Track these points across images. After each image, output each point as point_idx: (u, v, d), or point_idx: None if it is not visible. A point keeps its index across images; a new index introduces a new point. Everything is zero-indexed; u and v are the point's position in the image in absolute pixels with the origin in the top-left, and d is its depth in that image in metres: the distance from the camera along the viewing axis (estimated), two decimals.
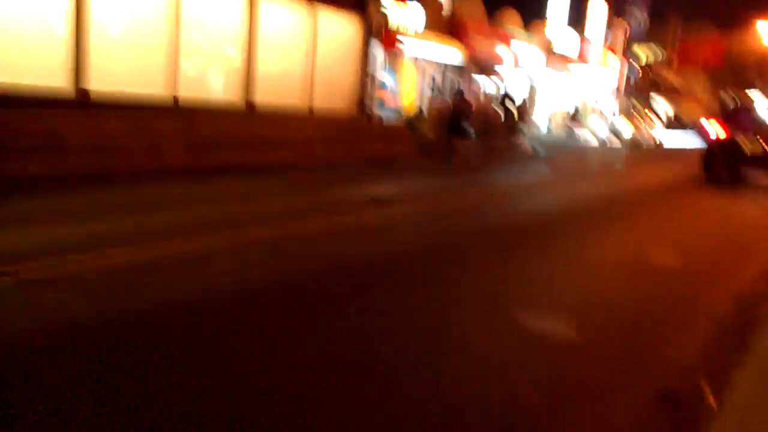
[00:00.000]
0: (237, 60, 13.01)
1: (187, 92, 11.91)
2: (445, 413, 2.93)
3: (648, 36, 40.56)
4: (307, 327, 3.85)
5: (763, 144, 13.59)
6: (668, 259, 6.44)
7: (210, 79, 12.88)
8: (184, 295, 4.28)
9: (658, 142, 31.08)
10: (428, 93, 20.89)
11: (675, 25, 44.36)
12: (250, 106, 13.00)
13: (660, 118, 36.25)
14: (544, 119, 33.58)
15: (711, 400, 3.22)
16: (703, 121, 18.18)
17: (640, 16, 36.55)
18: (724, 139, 14.50)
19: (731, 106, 15.75)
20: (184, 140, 9.95)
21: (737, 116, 15.43)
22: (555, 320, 4.29)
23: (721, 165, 13.98)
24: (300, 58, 14.35)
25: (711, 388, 3.37)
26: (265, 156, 10.96)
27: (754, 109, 16.25)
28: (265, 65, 13.54)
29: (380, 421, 2.81)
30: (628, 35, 37.34)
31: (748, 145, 13.80)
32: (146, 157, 9.29)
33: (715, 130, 14.63)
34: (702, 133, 15.36)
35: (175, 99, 11.64)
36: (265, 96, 13.36)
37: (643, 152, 24.77)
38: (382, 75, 20.85)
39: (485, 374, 3.39)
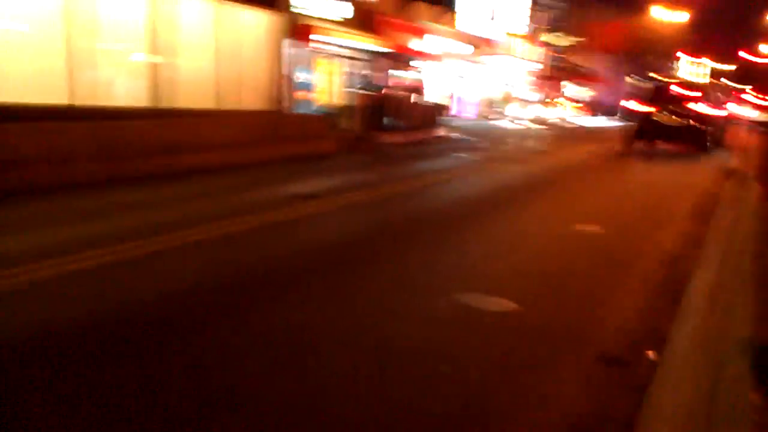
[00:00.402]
0: (144, 62, 12.47)
1: (91, 99, 11.33)
2: (396, 392, 2.83)
3: (559, 23, 41.92)
4: (250, 316, 3.67)
5: (676, 117, 15.50)
6: (595, 229, 6.60)
7: (116, 84, 12.29)
8: (113, 304, 3.99)
9: (572, 124, 32.25)
10: (346, 87, 20.78)
11: (581, 11, 46.06)
12: (161, 110, 12.48)
13: (574, 101, 37.60)
14: (464, 107, 34.18)
15: (652, 354, 3.27)
16: (625, 102, 20.19)
17: (553, 5, 37.68)
18: (646, 113, 16.21)
19: (647, 86, 18.02)
20: (91, 150, 9.42)
21: (656, 95, 17.18)
22: (493, 295, 4.28)
23: (645, 135, 15.98)
24: (210, 57, 13.92)
25: (649, 344, 3.43)
26: (180, 161, 10.52)
27: (668, 88, 18.03)
28: (175, 66, 13.05)
29: (314, 402, 2.68)
30: (542, 23, 38.44)
31: (665, 118, 15.70)
32: (52, 171, 8.73)
33: (638, 107, 16.71)
34: (625, 112, 17.24)
35: (78, 107, 11.03)
36: (177, 98, 12.88)
37: (560, 133, 25.55)
38: (299, 72, 20.57)
39: (429, 352, 3.31)
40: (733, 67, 76.49)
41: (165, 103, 12.71)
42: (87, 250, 5.03)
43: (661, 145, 16.33)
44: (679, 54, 71.11)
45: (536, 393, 2.93)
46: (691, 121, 15.66)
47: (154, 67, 12.53)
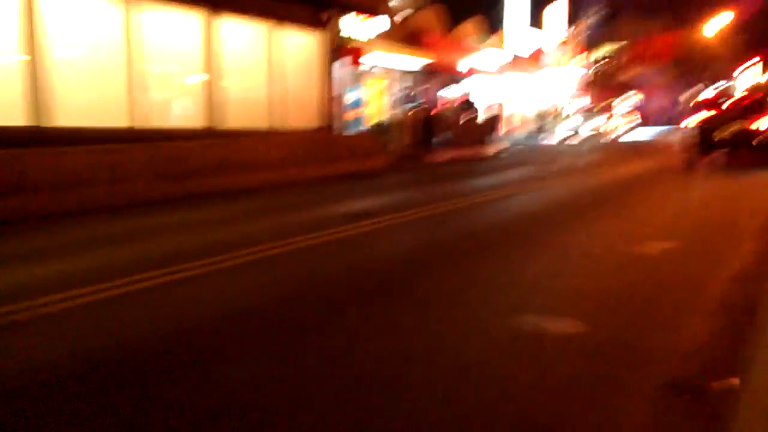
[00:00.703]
0: (198, 84, 12.75)
1: (150, 121, 11.64)
2: (460, 423, 2.70)
3: (605, 35, 41.27)
4: (305, 339, 3.60)
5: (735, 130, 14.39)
6: (660, 247, 6.31)
7: (172, 106, 12.60)
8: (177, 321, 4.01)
9: (627, 137, 31.52)
10: (396, 104, 20.85)
11: (629, 23, 45.26)
12: (214, 130, 12.72)
13: (627, 114, 36.77)
14: (514, 122, 33.84)
15: (734, 381, 3.04)
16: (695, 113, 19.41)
17: (597, 17, 37.16)
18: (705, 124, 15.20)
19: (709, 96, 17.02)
20: (149, 171, 9.65)
21: (725, 105, 16.09)
22: (555, 316, 4.09)
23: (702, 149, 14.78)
24: (262, 78, 14.14)
25: (727, 372, 3.19)
26: (234, 180, 10.70)
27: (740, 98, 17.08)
28: (228, 87, 13.31)
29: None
30: (587, 35, 37.92)
31: (720, 133, 14.56)
32: (113, 191, 8.97)
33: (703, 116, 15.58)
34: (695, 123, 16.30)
35: (138, 129, 11.34)
36: (229, 119, 13.11)
37: (614, 147, 24.96)
38: (349, 91, 20.75)
39: (489, 377, 3.16)
40: None
41: (219, 124, 12.95)
42: (152, 269, 5.16)
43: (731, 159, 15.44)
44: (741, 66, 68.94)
45: (601, 420, 2.74)
46: (757, 135, 14.37)
47: (209, 89, 12.80)
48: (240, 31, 13.57)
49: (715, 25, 49.61)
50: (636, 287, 4.88)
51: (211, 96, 12.84)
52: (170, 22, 12.19)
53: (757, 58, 66.95)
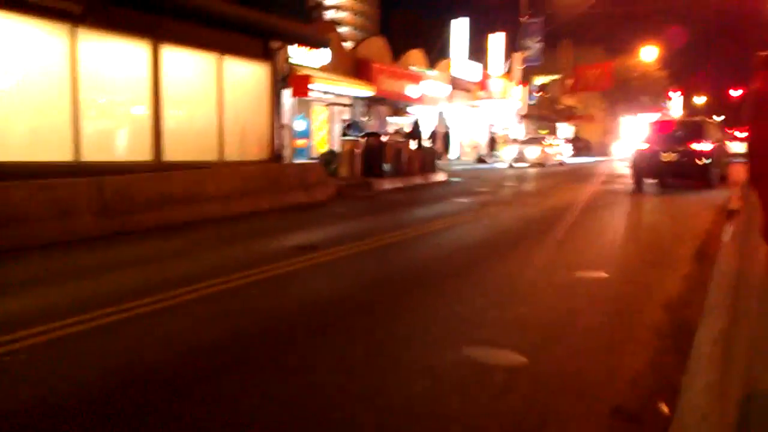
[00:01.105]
0: (144, 116, 12.64)
1: (94, 155, 11.46)
2: None
3: (544, 64, 42.64)
4: (246, 377, 3.65)
5: (680, 155, 15.93)
6: (597, 275, 6.60)
7: (116, 139, 12.44)
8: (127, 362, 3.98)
9: (561, 162, 32.56)
10: (344, 135, 21.04)
11: (567, 52, 47.03)
12: (160, 163, 12.60)
13: (562, 140, 37.99)
14: (461, 151, 34.51)
15: (664, 408, 3.25)
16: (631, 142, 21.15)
17: (535, 46, 38.46)
18: (652, 152, 16.56)
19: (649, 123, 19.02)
20: (93, 205, 9.49)
21: (659, 133, 17.45)
22: (499, 348, 4.26)
23: (645, 173, 16.41)
24: (211, 109, 14.12)
25: (661, 396, 3.41)
26: (182, 214, 10.60)
27: (672, 126, 18.74)
28: (175, 119, 13.23)
29: None
30: (525, 65, 39.15)
31: (671, 156, 16.14)
32: (57, 227, 8.78)
33: (645, 146, 17.00)
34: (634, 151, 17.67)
35: (82, 163, 11.15)
36: (175, 152, 13.01)
37: (556, 173, 25.74)
38: (297, 120, 20.87)
39: (437, 412, 3.28)
40: (704, 99, 77.98)
41: (168, 157, 12.83)
42: (94, 309, 5.08)
43: (669, 181, 16.85)
44: (671, 94, 72.45)
45: None
46: (696, 159, 15.88)
47: (156, 121, 12.70)
48: (186, 62, 13.55)
49: (644, 58, 52.18)
50: (576, 316, 5.11)
51: (158, 128, 12.73)
52: (115, 52, 12.09)
53: (679, 93, 70.59)
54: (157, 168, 11.99)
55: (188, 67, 13.63)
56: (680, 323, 4.80)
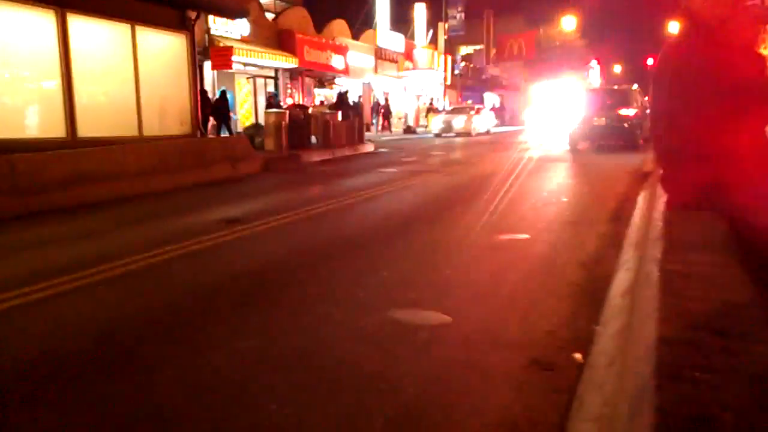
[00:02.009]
0: (55, 90, 12.01)
1: (2, 132, 10.84)
2: (332, 414, 2.84)
3: (468, 35, 43.05)
4: (172, 352, 3.59)
5: (610, 120, 17.91)
6: (522, 236, 6.81)
7: (25, 115, 11.79)
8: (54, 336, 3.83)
9: (488, 131, 33.15)
10: (269, 107, 20.68)
11: (489, 22, 47.56)
12: (76, 140, 12.05)
13: (488, 110, 38.57)
14: (389, 121, 34.57)
15: (578, 357, 3.41)
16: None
17: (457, 16, 38.72)
18: (586, 117, 18.49)
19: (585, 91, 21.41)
20: (3, 184, 9.02)
21: (591, 101, 19.47)
22: (424, 309, 4.36)
23: (580, 136, 18.48)
24: (125, 83, 13.54)
25: (575, 346, 3.57)
26: (101, 191, 10.22)
27: (601, 94, 21.04)
28: (87, 94, 12.64)
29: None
30: (448, 35, 39.39)
31: (601, 121, 18.10)
32: None
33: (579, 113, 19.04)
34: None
35: None
36: (91, 127, 12.45)
37: (483, 141, 26.17)
38: (217, 94, 20.32)
39: (364, 371, 3.33)
40: (620, 68, 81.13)
41: (83, 133, 12.28)
42: (12, 289, 4.90)
43: (600, 144, 18.68)
44: (592, 63, 74.61)
45: (471, 402, 2.99)
46: (623, 123, 17.69)
47: (68, 95, 12.10)
48: (97, 33, 12.91)
49: (565, 27, 53.50)
50: (499, 276, 5.26)
51: (70, 103, 12.13)
52: (17, 22, 11.38)
53: (595, 61, 73.05)
54: (73, 145, 11.47)
55: (99, 39, 12.99)
56: (596, 279, 5.01)
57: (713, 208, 3.07)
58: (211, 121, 19.32)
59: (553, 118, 30.76)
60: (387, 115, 34.02)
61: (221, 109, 19.41)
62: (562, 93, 32.40)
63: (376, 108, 33.95)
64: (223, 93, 20.03)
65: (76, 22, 12.28)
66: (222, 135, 18.83)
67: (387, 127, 33.84)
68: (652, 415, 1.37)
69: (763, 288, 2.14)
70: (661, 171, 3.01)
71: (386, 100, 34.66)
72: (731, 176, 2.77)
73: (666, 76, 3.03)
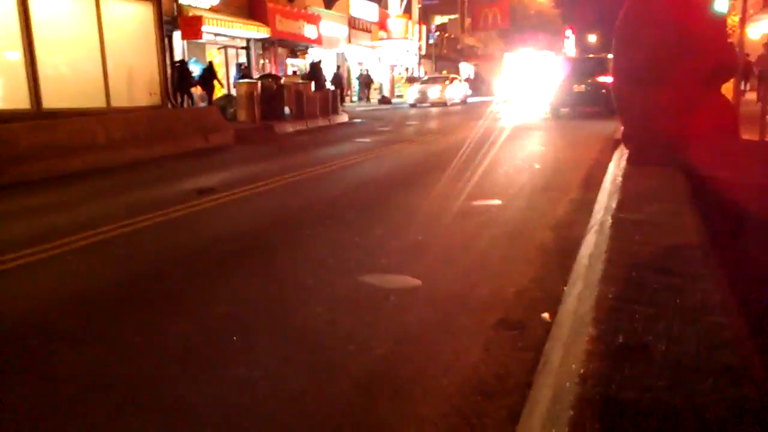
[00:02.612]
0: (18, 61, 11.69)
1: None
2: (303, 375, 2.87)
3: (442, 4, 42.67)
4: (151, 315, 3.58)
5: (589, 87, 18.79)
6: (494, 202, 6.85)
7: None
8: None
9: (464, 100, 33.08)
10: (242, 78, 20.38)
11: None
12: (40, 111, 11.78)
13: (463, 80, 38.41)
14: (364, 92, 34.34)
15: (546, 316, 3.46)
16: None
17: None
18: (561, 84, 19.42)
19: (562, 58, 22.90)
20: None
21: (572, 68, 20.32)
22: (396, 273, 4.38)
23: (560, 103, 19.39)
24: (90, 53, 13.23)
25: (545, 306, 3.63)
26: (70, 164, 10.03)
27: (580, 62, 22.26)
28: (54, 64, 12.33)
29: (233, 393, 2.67)
30: (422, 4, 39.02)
31: (581, 88, 18.99)
32: None
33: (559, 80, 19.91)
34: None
35: None
36: (57, 99, 12.19)
37: (458, 111, 26.12)
38: (192, 65, 19.96)
39: (335, 334, 3.35)
40: (595, 38, 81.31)
41: (49, 104, 12.01)
42: None
43: (579, 109, 19.69)
44: (567, 33, 74.56)
45: (440, 361, 3.03)
46: (601, 90, 18.09)
47: (32, 65, 11.78)
48: (60, 1, 12.54)
49: None
50: (470, 240, 5.31)
51: (35, 73, 11.83)
52: None
53: (570, 31, 73.00)
54: (38, 116, 11.21)
55: (62, 7, 12.64)
56: (566, 242, 5.06)
57: (671, 163, 3.12)
58: (199, 90, 19.29)
59: (526, 86, 30.50)
60: (368, 85, 34.04)
61: (209, 79, 19.37)
62: (534, 62, 32.25)
63: (366, 81, 33.92)
64: (211, 64, 20.02)
65: None
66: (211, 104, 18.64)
67: (365, 97, 33.75)
68: (585, 342, 1.40)
69: (711, 234, 2.19)
70: (623, 128, 3.04)
71: (367, 71, 34.52)
72: (689, 131, 2.81)
73: (629, 31, 3.05)
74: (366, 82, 34.09)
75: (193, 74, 19.64)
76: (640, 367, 1.38)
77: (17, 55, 11.67)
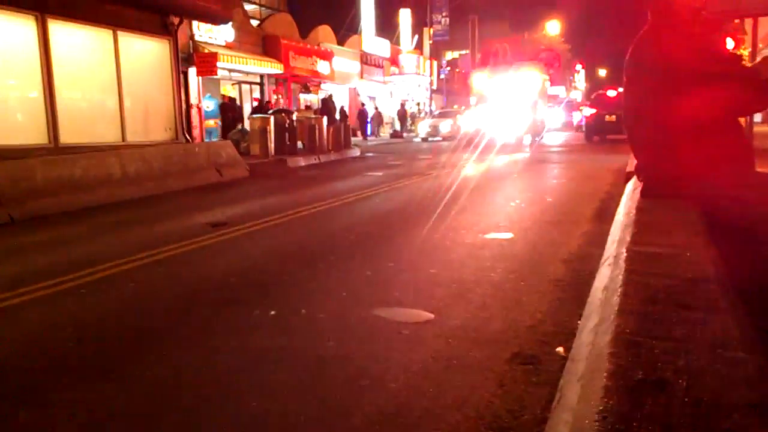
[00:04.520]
0: (37, 97, 11.92)
1: None
2: (316, 412, 2.83)
3: (453, 40, 43.18)
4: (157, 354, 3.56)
5: (615, 116, 20.78)
6: (506, 235, 6.82)
7: (7, 121, 11.69)
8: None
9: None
10: (256, 113, 20.64)
11: (474, 27, 47.78)
12: (58, 147, 11.96)
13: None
14: (376, 126, 34.64)
15: (560, 350, 3.41)
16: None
17: (442, 21, 38.88)
18: (594, 114, 23.15)
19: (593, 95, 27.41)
20: None
21: (598, 100, 24.16)
22: (409, 307, 4.35)
23: (594, 130, 23.21)
24: (107, 89, 13.49)
25: (559, 340, 3.58)
26: (83, 198, 10.14)
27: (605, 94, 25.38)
28: (70, 101, 12.56)
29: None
30: (433, 40, 39.55)
31: (608, 117, 21.81)
32: None
33: (588, 111, 24.30)
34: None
35: None
36: (73, 134, 12.38)
37: (472, 144, 26.20)
38: (207, 100, 20.29)
39: (349, 369, 3.32)
40: (604, 72, 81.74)
41: (66, 139, 12.20)
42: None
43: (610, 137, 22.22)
44: (577, 67, 75.12)
45: (453, 396, 2.98)
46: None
47: (50, 101, 12.01)
48: (79, 39, 12.84)
49: (549, 32, 53.92)
50: (482, 274, 5.27)
51: (53, 109, 12.05)
52: None
53: (580, 66, 73.56)
54: (55, 151, 11.39)
55: (81, 44, 12.93)
56: (579, 275, 5.02)
57: (686, 195, 3.10)
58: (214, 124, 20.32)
59: (500, 113, 25.06)
60: (379, 121, 34.52)
61: (228, 114, 20.48)
62: (512, 82, 26.77)
63: (377, 118, 34.47)
64: (233, 100, 21.25)
65: (57, 28, 12.21)
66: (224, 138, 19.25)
67: (375, 132, 34.09)
68: (603, 378, 1.38)
69: (729, 267, 2.16)
70: (636, 161, 3.05)
71: (376, 108, 34.99)
72: (703, 164, 2.80)
73: (638, 69, 3.07)
74: (378, 119, 34.58)
75: (209, 109, 19.97)
76: (660, 403, 1.35)
77: (37, 92, 11.91)
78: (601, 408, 1.52)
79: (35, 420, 2.94)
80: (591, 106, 24.58)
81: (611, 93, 25.07)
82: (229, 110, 20.65)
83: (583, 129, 24.72)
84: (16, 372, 3.53)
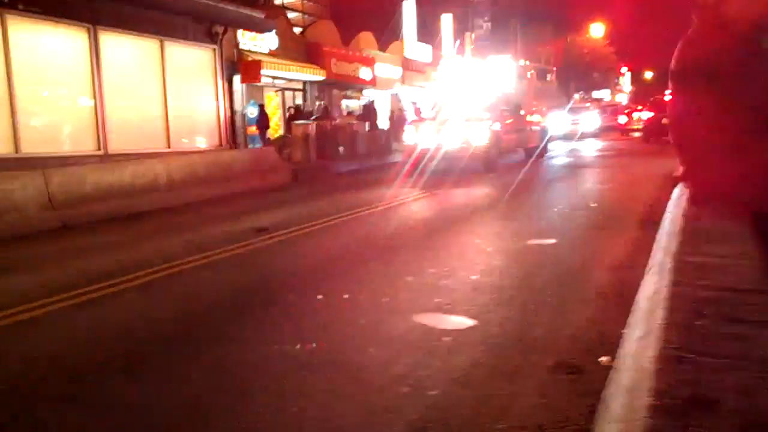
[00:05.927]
0: (88, 106, 12.31)
1: (34, 147, 11.14)
2: (356, 418, 2.84)
3: (495, 44, 42.84)
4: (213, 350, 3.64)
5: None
6: (545, 241, 6.74)
7: (58, 131, 12.10)
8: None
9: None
10: (298, 119, 20.88)
11: (516, 31, 47.39)
12: (106, 154, 12.31)
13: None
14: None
15: (605, 360, 3.35)
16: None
17: (484, 25, 38.67)
18: (652, 118, 24.49)
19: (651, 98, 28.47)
20: (40, 199, 9.24)
21: (655, 104, 25.42)
22: (451, 313, 4.34)
23: (652, 132, 24.21)
24: (154, 98, 13.82)
25: (604, 350, 3.51)
26: (131, 204, 10.41)
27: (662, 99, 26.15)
28: (118, 109, 12.92)
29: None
30: (475, 45, 39.34)
31: (665, 120, 21.59)
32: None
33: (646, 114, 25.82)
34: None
35: (24, 156, 10.84)
36: (121, 142, 12.73)
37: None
38: (250, 106, 20.61)
39: (390, 374, 3.33)
40: (651, 74, 79.81)
41: (114, 147, 12.56)
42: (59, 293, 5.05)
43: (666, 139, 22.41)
44: (622, 69, 73.68)
45: (495, 405, 2.96)
46: None
47: (100, 110, 12.39)
48: (127, 48, 13.21)
49: (593, 35, 53.05)
50: (525, 280, 5.22)
51: (103, 118, 12.42)
52: (50, 39, 11.70)
53: (626, 68, 71.98)
54: (103, 159, 11.73)
55: (129, 54, 13.30)
56: (623, 284, 4.93)
57: (736, 202, 3.00)
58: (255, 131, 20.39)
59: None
60: None
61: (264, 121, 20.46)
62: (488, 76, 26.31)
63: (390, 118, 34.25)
64: (262, 107, 20.95)
65: (108, 39, 12.59)
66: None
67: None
68: (650, 396, 1.35)
69: None
70: (683, 167, 2.94)
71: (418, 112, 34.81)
72: (753, 170, 2.71)
73: (684, 72, 2.99)
74: (392, 120, 34.06)
75: (252, 115, 20.28)
76: (708, 424, 1.31)
77: (87, 102, 12.29)
78: (647, 427, 1.48)
79: (86, 417, 3.03)
80: (649, 109, 25.95)
81: (668, 97, 25.27)
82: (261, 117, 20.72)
83: (641, 132, 26.75)
84: (67, 370, 3.65)
